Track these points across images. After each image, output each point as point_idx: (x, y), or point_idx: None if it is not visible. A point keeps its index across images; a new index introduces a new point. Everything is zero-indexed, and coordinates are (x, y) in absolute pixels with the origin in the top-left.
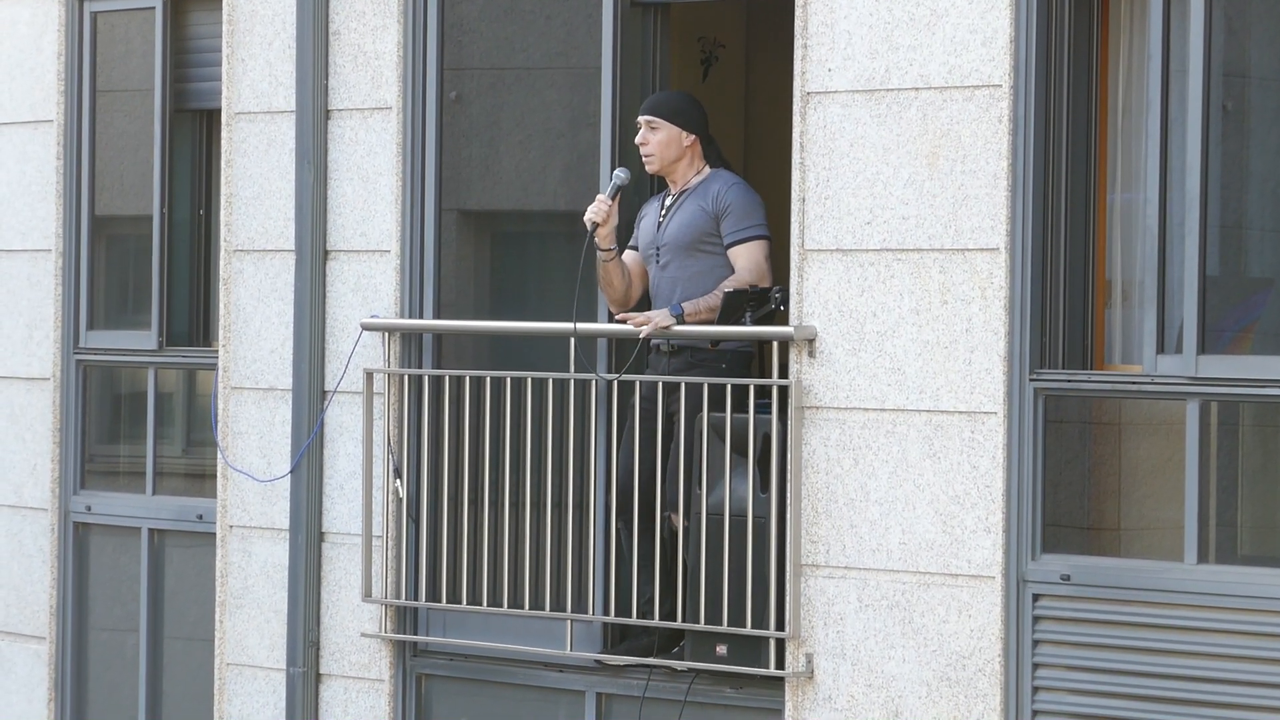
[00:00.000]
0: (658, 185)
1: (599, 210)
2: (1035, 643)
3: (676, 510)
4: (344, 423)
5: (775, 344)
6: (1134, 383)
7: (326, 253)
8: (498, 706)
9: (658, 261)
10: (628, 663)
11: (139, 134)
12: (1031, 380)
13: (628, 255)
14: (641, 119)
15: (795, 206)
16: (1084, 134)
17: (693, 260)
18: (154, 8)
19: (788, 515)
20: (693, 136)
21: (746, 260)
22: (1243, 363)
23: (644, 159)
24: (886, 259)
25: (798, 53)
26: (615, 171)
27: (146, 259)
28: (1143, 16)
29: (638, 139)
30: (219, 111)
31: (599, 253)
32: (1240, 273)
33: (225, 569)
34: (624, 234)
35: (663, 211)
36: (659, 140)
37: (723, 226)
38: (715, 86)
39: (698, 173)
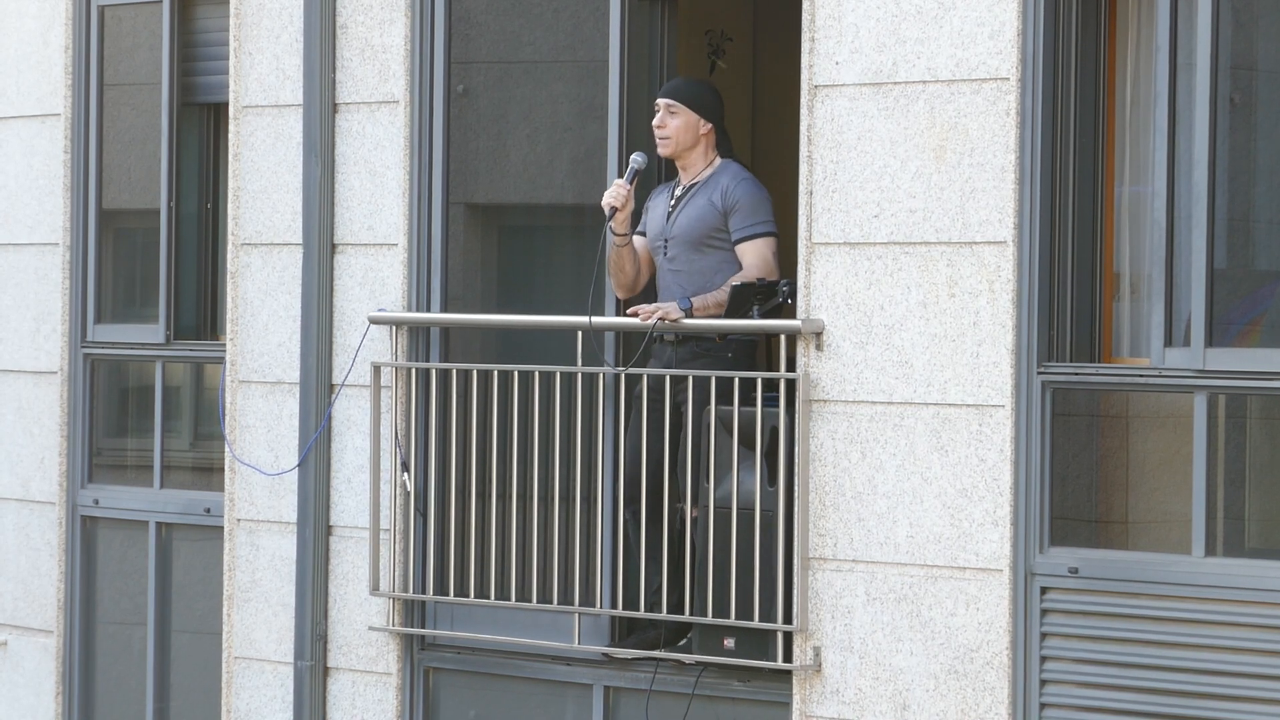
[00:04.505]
0: (668, 172)
1: (617, 195)
2: (1043, 636)
3: (687, 501)
4: (351, 416)
5: (783, 337)
6: (1142, 376)
7: (334, 246)
8: (505, 700)
9: (665, 253)
10: (635, 656)
11: (146, 128)
12: (1039, 373)
13: (637, 241)
14: (661, 102)
15: (802, 199)
16: (1091, 127)
17: (700, 255)
18: (161, 1)
19: (795, 508)
20: (709, 125)
21: (754, 257)
22: (1250, 355)
23: (659, 141)
24: (894, 252)
25: (805, 46)
26: (633, 156)
27: (154, 252)
28: (1150, 9)
29: (655, 121)
30: (226, 105)
31: (613, 238)
32: (1248, 266)
33: (233, 562)
34: (635, 218)
35: (672, 202)
36: (676, 125)
37: (731, 222)
38: (722, 80)
39: (709, 164)
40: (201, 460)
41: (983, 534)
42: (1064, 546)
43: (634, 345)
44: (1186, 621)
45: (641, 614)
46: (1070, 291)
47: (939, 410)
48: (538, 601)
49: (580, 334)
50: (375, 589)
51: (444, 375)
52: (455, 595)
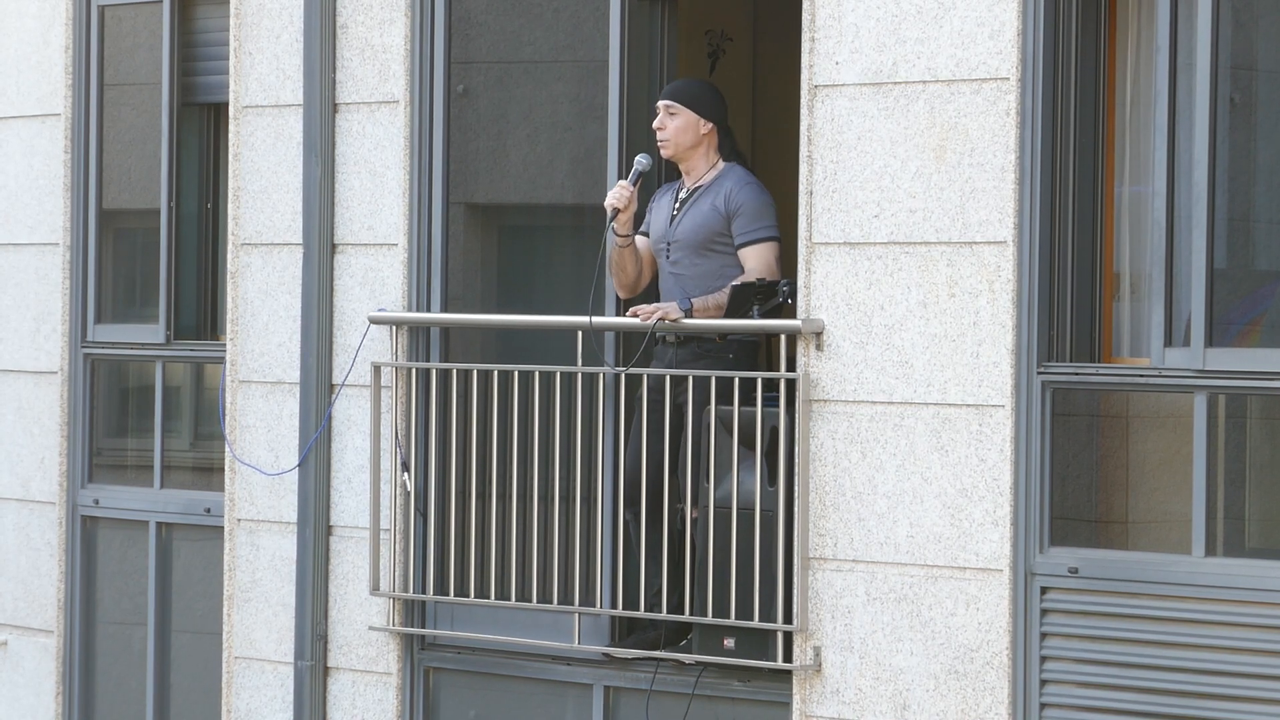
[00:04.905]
0: (670, 173)
1: (620, 196)
2: (1043, 635)
3: (691, 502)
4: (352, 416)
5: (783, 337)
6: (1142, 376)
7: (334, 246)
8: (505, 700)
9: (667, 256)
10: (635, 656)
11: (146, 128)
12: (1039, 373)
13: (640, 241)
14: (660, 104)
15: (803, 199)
16: (1091, 127)
17: (703, 259)
18: (161, 1)
19: (795, 508)
20: (710, 125)
21: (756, 261)
22: (1250, 355)
23: (659, 143)
24: (894, 252)
25: (805, 46)
26: (637, 157)
27: (154, 252)
28: (1150, 9)
29: (655, 123)
30: (226, 105)
31: (616, 238)
32: (1248, 266)
33: (233, 562)
34: (638, 219)
35: (675, 205)
36: (676, 126)
37: (734, 227)
38: (722, 79)
39: (712, 166)
40: (201, 460)
41: (983, 534)
42: (1064, 546)
43: (634, 345)
44: (1186, 621)
45: (642, 614)
46: (1070, 291)
47: (939, 410)
48: (538, 601)
49: (580, 334)
50: (375, 589)
51: (444, 375)
52: (455, 595)
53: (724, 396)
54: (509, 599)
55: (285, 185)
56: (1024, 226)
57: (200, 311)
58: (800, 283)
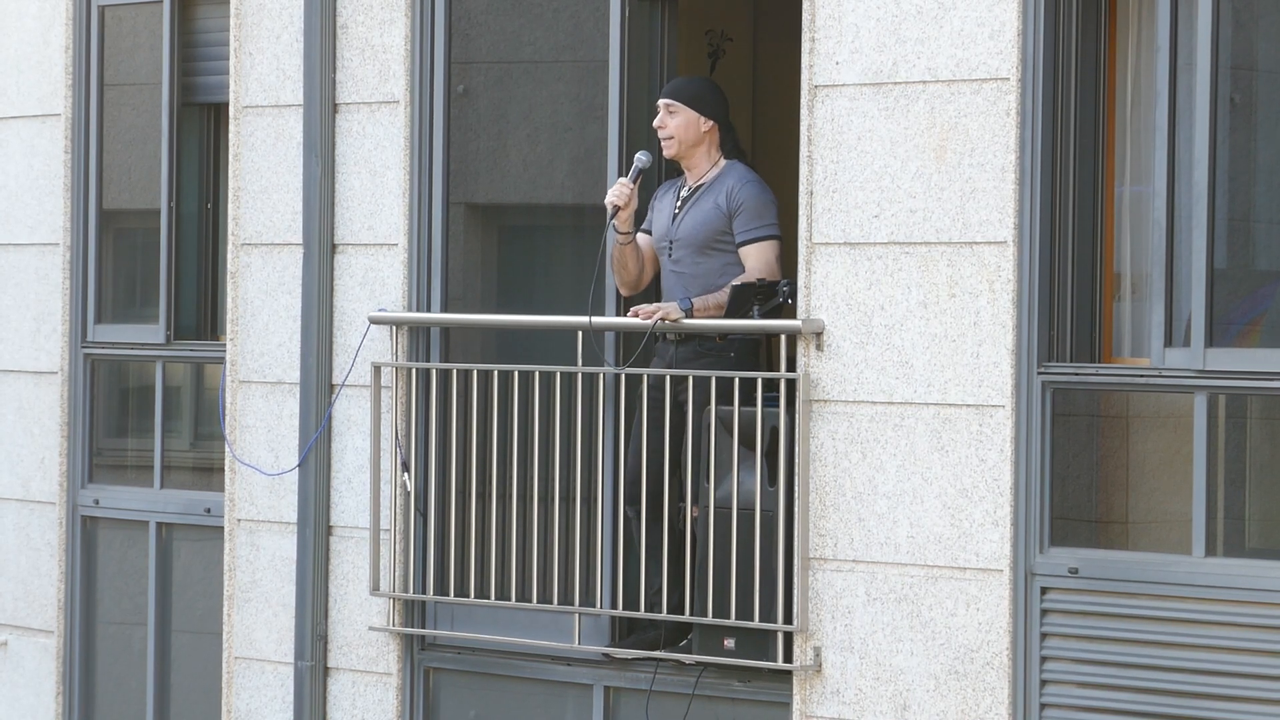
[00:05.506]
0: (671, 171)
1: (620, 194)
2: (1043, 636)
3: (691, 501)
4: (352, 416)
5: (783, 337)
6: (1142, 376)
7: (334, 246)
8: (505, 700)
9: (669, 255)
10: (635, 656)
11: (147, 128)
12: (1039, 373)
13: (642, 239)
14: (661, 102)
15: (803, 200)
16: (1092, 127)
17: (704, 258)
18: (161, 1)
19: (795, 508)
20: (711, 123)
21: (757, 260)
22: (1250, 356)
23: (662, 143)
24: (894, 252)
25: (805, 46)
26: (637, 155)
27: (154, 253)
28: (1150, 9)
29: (656, 122)
30: (227, 105)
31: (617, 236)
32: (1248, 266)
33: (233, 563)
34: (639, 216)
35: (677, 203)
36: (677, 124)
37: (735, 225)
38: (723, 79)
39: (714, 164)
40: (201, 460)
41: (983, 534)
42: (1064, 546)
43: (634, 345)
44: (1186, 621)
45: (642, 614)
46: (1070, 291)
47: (939, 410)
48: (538, 601)
49: (580, 334)
50: (375, 589)
51: (444, 375)
52: (455, 595)
53: (724, 396)
54: (509, 599)
55: (285, 185)
56: (1024, 226)
57: (200, 311)
58: (800, 283)
